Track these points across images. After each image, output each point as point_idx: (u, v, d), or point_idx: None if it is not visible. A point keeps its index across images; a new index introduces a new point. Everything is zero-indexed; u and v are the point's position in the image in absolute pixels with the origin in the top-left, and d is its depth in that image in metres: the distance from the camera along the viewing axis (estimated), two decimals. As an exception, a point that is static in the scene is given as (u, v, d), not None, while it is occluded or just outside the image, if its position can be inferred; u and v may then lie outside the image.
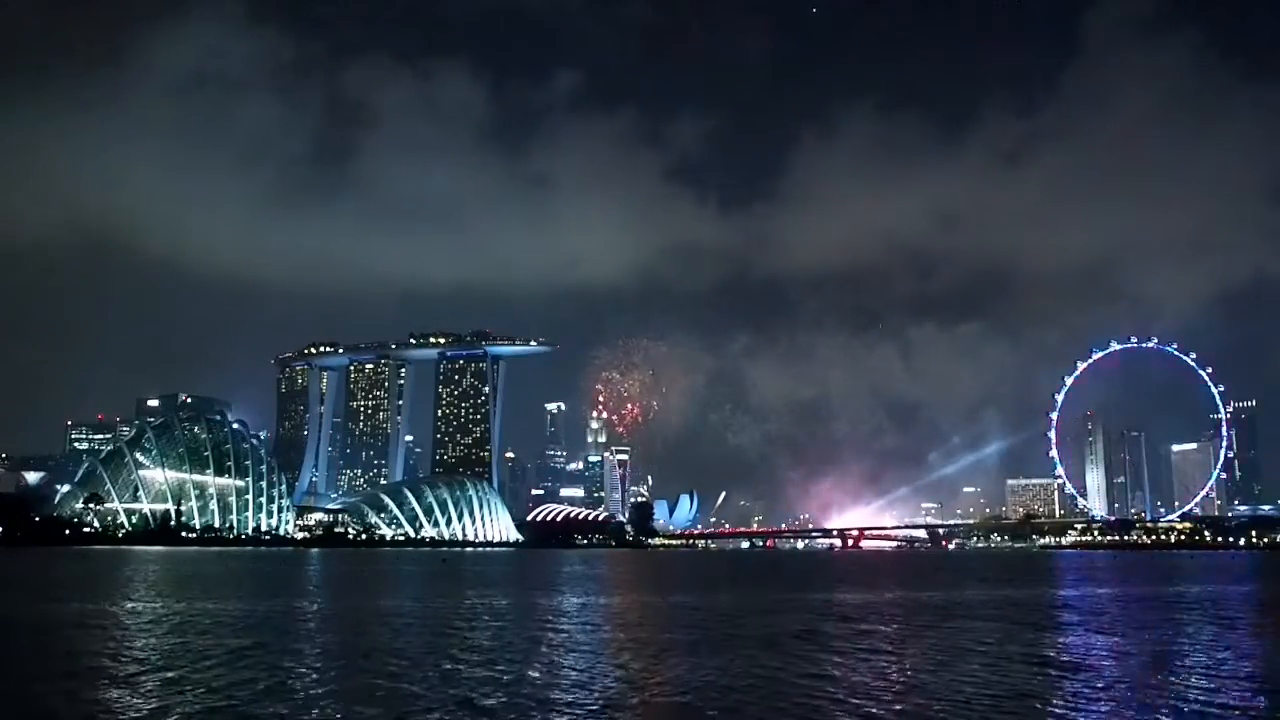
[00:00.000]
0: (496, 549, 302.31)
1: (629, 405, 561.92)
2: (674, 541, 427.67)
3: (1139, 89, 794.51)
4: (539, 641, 35.87)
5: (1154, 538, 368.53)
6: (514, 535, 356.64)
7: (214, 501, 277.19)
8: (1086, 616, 50.41)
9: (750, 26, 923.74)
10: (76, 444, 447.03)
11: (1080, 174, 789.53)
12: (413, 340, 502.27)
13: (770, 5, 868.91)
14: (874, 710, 22.41)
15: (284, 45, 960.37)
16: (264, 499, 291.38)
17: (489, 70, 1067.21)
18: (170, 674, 26.74)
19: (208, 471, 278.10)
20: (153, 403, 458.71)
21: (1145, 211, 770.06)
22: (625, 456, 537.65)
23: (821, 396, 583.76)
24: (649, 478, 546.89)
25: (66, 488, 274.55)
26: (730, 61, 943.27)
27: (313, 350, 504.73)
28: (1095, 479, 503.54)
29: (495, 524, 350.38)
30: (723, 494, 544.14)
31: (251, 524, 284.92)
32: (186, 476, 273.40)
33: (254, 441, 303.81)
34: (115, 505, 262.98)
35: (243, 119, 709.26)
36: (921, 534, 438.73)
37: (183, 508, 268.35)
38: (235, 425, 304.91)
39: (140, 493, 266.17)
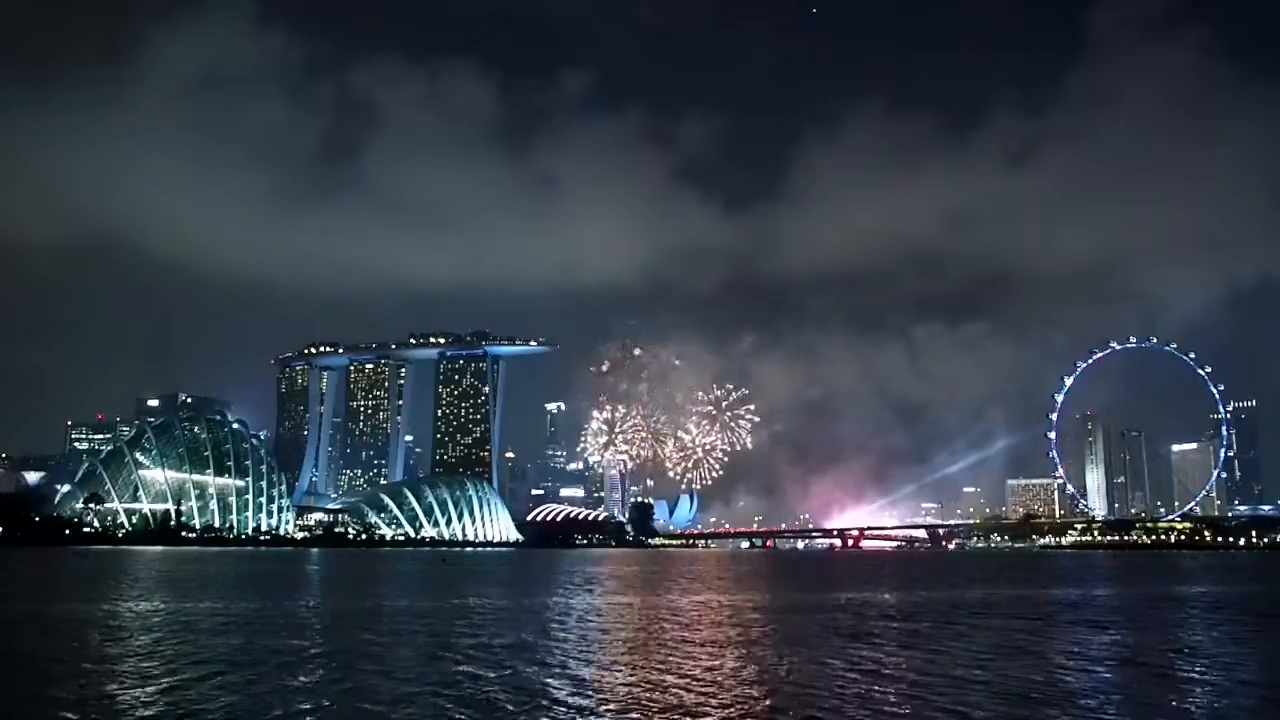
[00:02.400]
0: (497, 549, 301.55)
1: (631, 405, 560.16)
2: (674, 541, 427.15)
3: (1145, 89, 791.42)
4: (582, 641, 35.11)
5: (1154, 538, 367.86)
6: (514, 535, 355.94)
7: (214, 501, 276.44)
8: (1111, 615, 49.94)
9: (756, 26, 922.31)
10: (76, 444, 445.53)
11: (1086, 174, 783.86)
12: (413, 340, 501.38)
13: (776, 5, 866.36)
14: (958, 706, 22.23)
15: (293, 45, 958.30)
16: (264, 499, 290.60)
17: (497, 70, 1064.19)
18: (178, 675, 25.96)
19: (208, 471, 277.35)
20: (153, 403, 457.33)
21: (1150, 211, 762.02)
22: (625, 457, 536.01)
23: (826, 396, 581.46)
24: (649, 478, 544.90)
25: (66, 488, 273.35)
26: (736, 61, 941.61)
27: (313, 350, 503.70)
28: (1095, 479, 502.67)
29: (495, 524, 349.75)
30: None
31: (251, 524, 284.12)
32: (186, 476, 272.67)
33: (254, 441, 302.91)
34: (115, 505, 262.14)
35: (249, 119, 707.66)
36: (921, 534, 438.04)
37: (183, 508, 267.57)
38: (235, 425, 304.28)
39: (140, 493, 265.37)
